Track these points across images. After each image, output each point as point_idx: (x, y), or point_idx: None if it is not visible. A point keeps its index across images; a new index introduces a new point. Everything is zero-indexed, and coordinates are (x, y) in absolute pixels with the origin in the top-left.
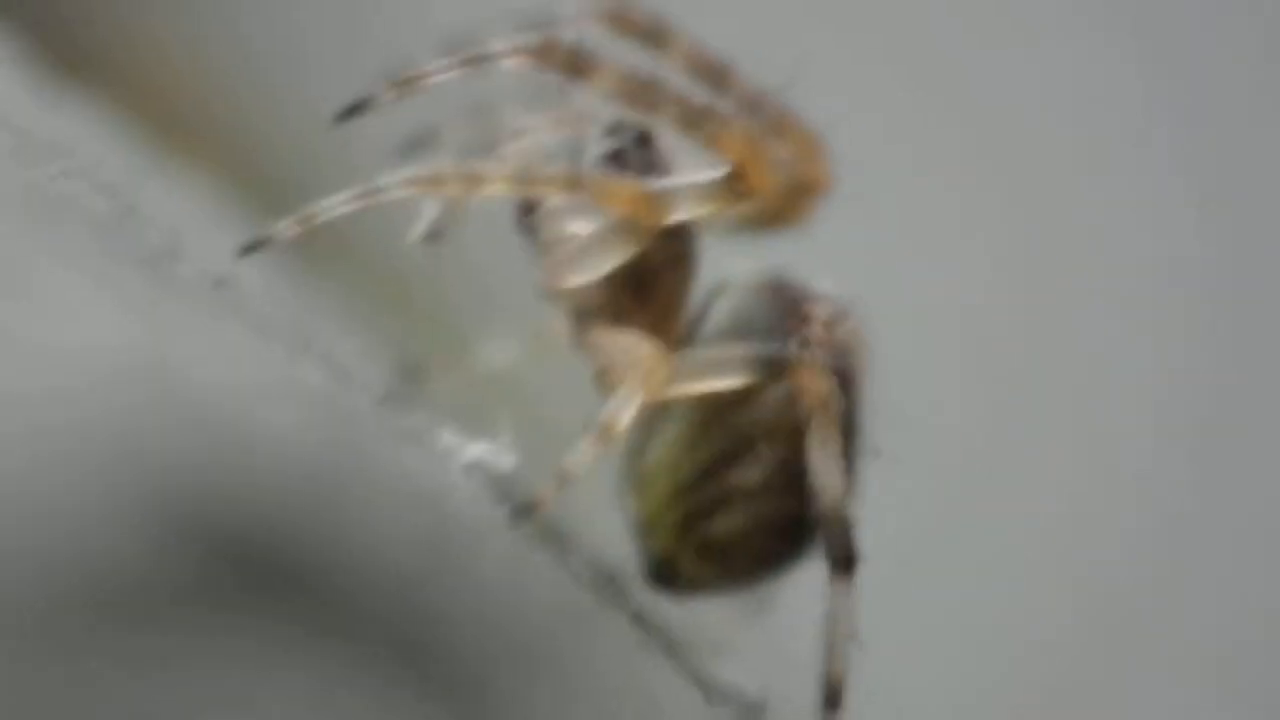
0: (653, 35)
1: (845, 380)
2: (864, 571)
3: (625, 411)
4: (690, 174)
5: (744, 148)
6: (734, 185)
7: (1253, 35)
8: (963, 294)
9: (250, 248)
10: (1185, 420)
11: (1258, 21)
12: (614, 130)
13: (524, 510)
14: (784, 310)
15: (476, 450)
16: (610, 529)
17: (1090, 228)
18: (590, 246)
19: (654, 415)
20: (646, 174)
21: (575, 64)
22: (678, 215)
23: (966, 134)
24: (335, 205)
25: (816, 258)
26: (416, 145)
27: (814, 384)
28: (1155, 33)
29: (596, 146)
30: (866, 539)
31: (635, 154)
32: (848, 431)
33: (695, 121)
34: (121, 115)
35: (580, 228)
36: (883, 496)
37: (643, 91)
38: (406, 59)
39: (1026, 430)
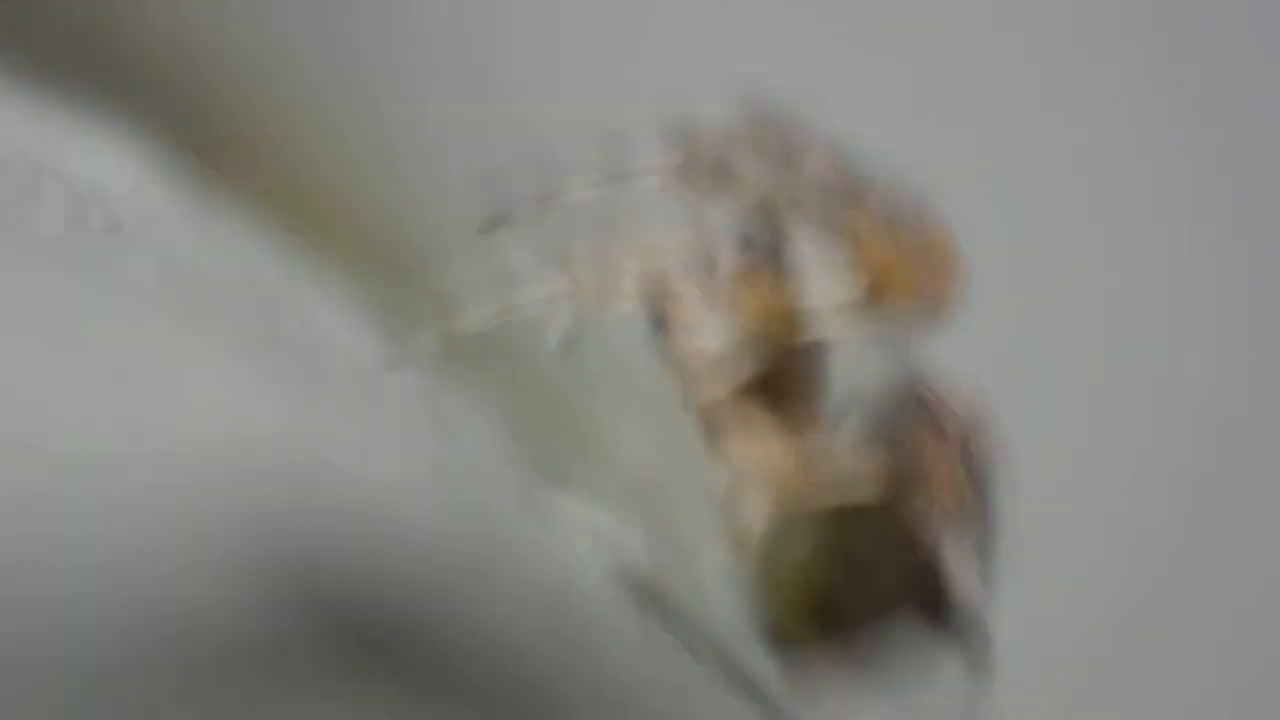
0: (787, 154)
1: (979, 475)
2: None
3: (758, 519)
4: (827, 288)
5: (885, 263)
6: (872, 300)
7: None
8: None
9: (390, 363)
10: (1189, 420)
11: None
12: (747, 241)
13: (656, 602)
14: (921, 412)
15: (610, 544)
16: (746, 630)
17: (1093, 224)
18: (722, 358)
19: (786, 526)
20: (777, 282)
21: (718, 182)
22: (814, 328)
23: (970, 131)
24: (474, 316)
25: None
26: (499, 223)
27: (950, 480)
28: (1160, 29)
29: (727, 253)
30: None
31: (767, 262)
32: (984, 528)
33: (837, 232)
34: (268, 217)
35: (712, 337)
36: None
37: (785, 203)
38: (537, 162)
39: (1027, 429)
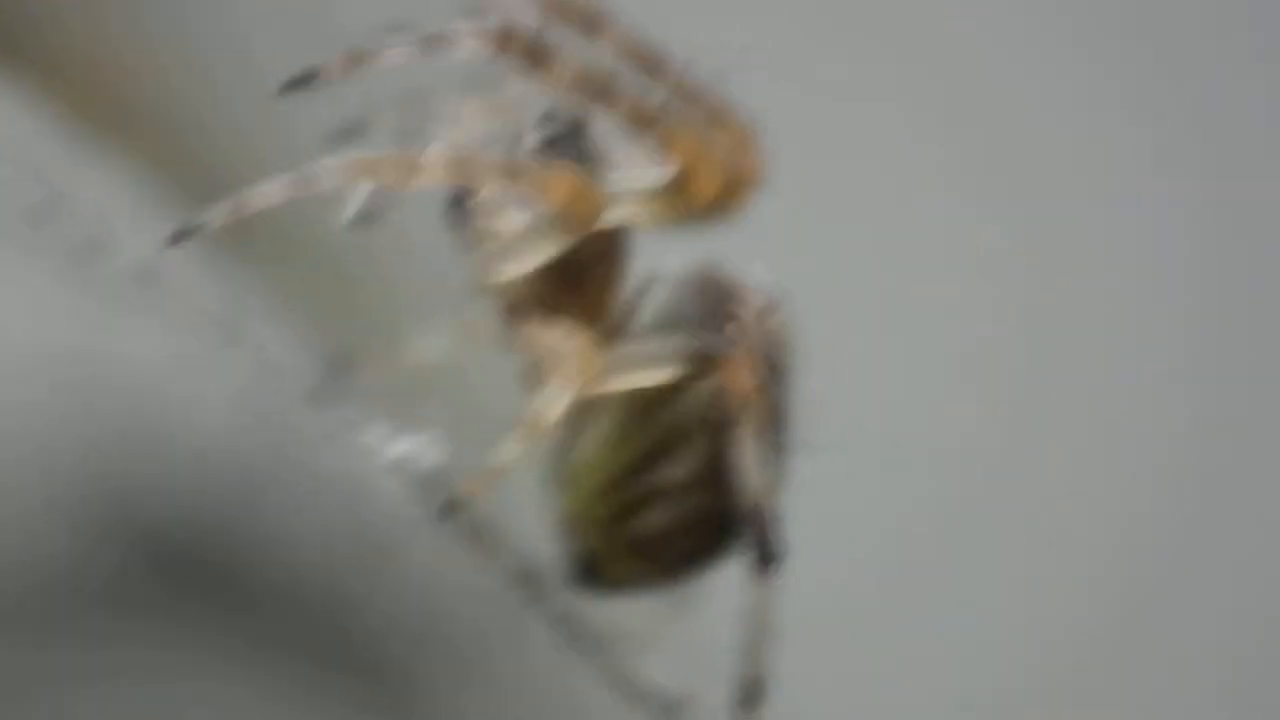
0: (590, 21)
1: (774, 374)
2: (862, 570)
3: (554, 406)
4: (632, 172)
5: (693, 152)
6: (679, 189)
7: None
8: (960, 292)
9: (179, 235)
10: (1187, 419)
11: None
12: (549, 118)
13: (450, 506)
14: (715, 304)
15: (404, 445)
16: (536, 527)
17: (1088, 223)
18: (522, 239)
19: (582, 411)
20: (581, 163)
21: (534, 53)
22: (616, 213)
23: (961, 131)
24: (267, 193)
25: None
26: (349, 133)
27: (742, 378)
28: (1153, 29)
29: (531, 134)
30: (867, 536)
31: (570, 143)
32: (777, 426)
33: (647, 121)
34: (52, 100)
35: (513, 220)
36: (881, 495)
37: (597, 86)
38: (355, 39)
39: (1025, 429)
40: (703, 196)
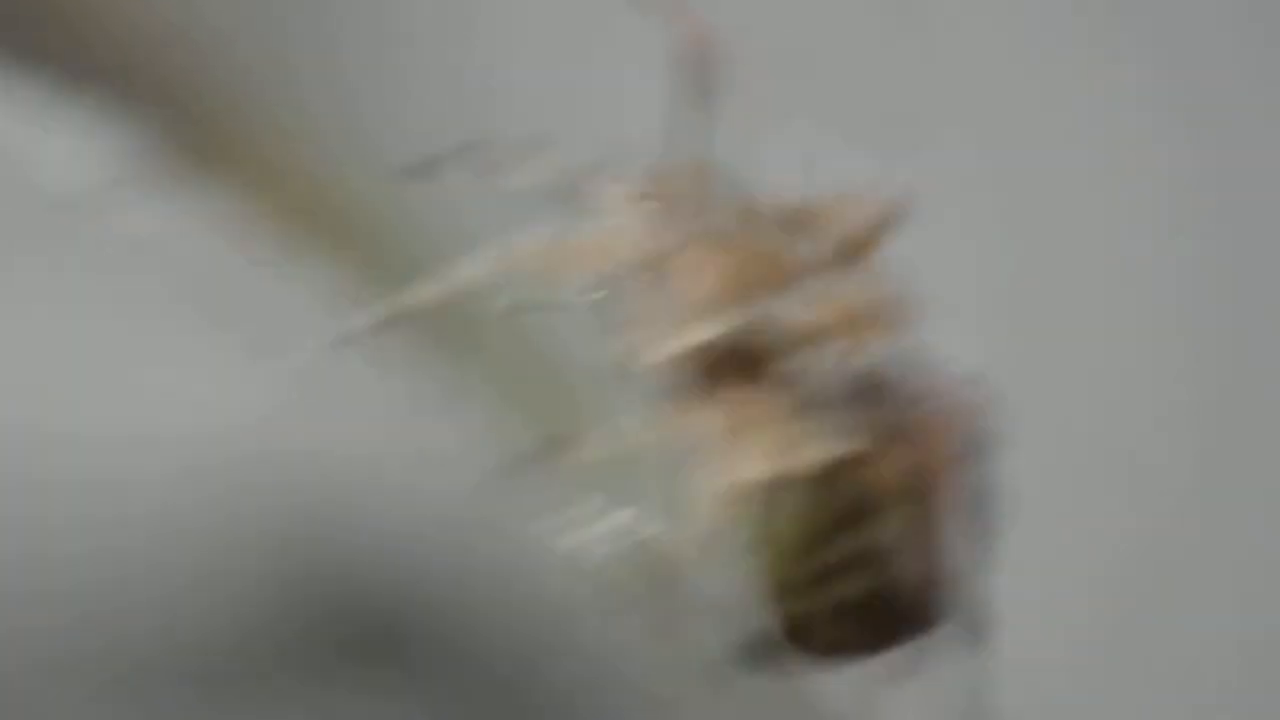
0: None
1: (971, 446)
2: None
3: (744, 474)
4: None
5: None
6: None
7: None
8: (957, 288)
9: (341, 340)
10: (1187, 420)
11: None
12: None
13: (641, 583)
14: (911, 376)
15: (603, 525)
16: (735, 603)
17: (1089, 223)
18: (676, 314)
19: (777, 484)
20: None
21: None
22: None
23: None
24: (421, 292)
25: None
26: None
27: (937, 449)
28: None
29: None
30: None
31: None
32: (977, 500)
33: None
34: (230, 203)
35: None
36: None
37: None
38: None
39: (1023, 429)
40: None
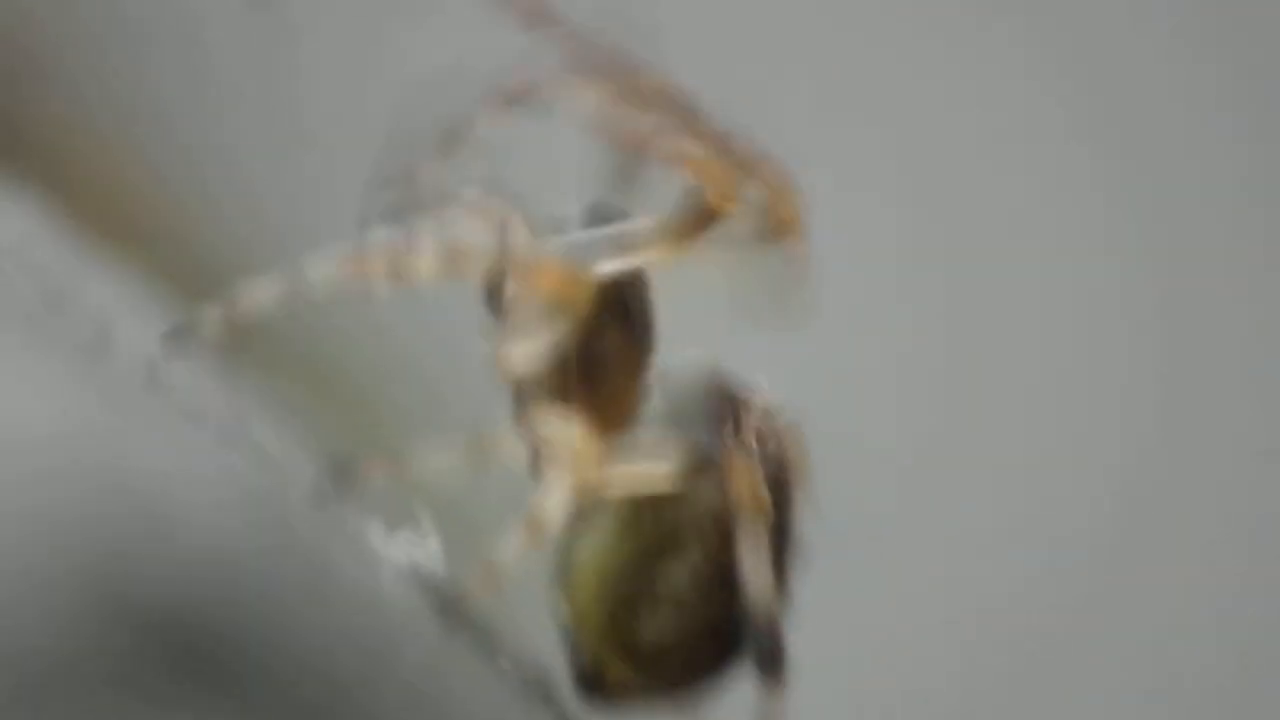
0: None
1: (779, 481)
2: (830, 562)
3: (553, 498)
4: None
5: (725, 186)
6: (705, 218)
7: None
8: (925, 290)
9: (174, 335)
10: (1149, 418)
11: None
12: (593, 213)
13: (451, 606)
14: (719, 404)
15: (405, 547)
16: (545, 631)
17: (1046, 232)
18: (527, 323)
19: (586, 510)
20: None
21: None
22: (605, 268)
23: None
24: (259, 290)
25: None
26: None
27: (744, 478)
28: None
29: (571, 226)
30: (827, 532)
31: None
32: (781, 534)
33: (673, 151)
34: (53, 203)
35: (528, 307)
36: (848, 490)
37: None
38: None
39: (990, 427)
40: (722, 215)
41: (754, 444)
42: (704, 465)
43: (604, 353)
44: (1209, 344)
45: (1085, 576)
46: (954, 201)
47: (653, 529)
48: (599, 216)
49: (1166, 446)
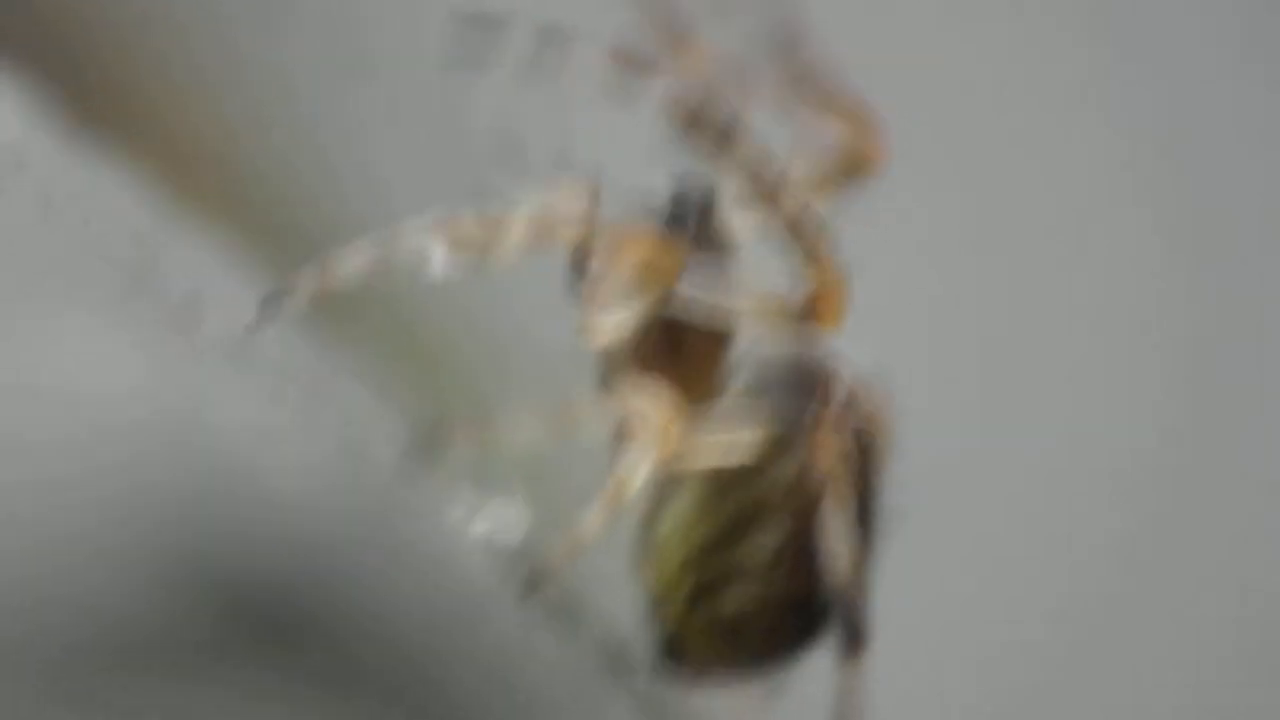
0: (724, 136)
1: (865, 453)
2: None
3: (634, 474)
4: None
5: (831, 282)
6: (801, 312)
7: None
8: (935, 296)
9: (267, 302)
10: (1162, 426)
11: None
12: (679, 196)
13: (534, 580)
14: (807, 378)
15: (491, 518)
16: (625, 604)
17: (1063, 236)
18: (618, 291)
19: (667, 483)
20: (705, 246)
21: (725, 136)
22: (732, 310)
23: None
24: (352, 258)
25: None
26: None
27: (829, 450)
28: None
29: (658, 210)
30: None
31: (696, 223)
32: (866, 506)
33: (799, 232)
34: (145, 168)
35: (617, 281)
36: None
37: (770, 185)
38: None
39: (1003, 432)
40: (820, 322)
41: (841, 417)
42: (790, 438)
43: (693, 322)
44: (1240, 346)
45: (1111, 579)
46: (983, 201)
47: (736, 502)
48: (686, 187)
49: (1193, 452)
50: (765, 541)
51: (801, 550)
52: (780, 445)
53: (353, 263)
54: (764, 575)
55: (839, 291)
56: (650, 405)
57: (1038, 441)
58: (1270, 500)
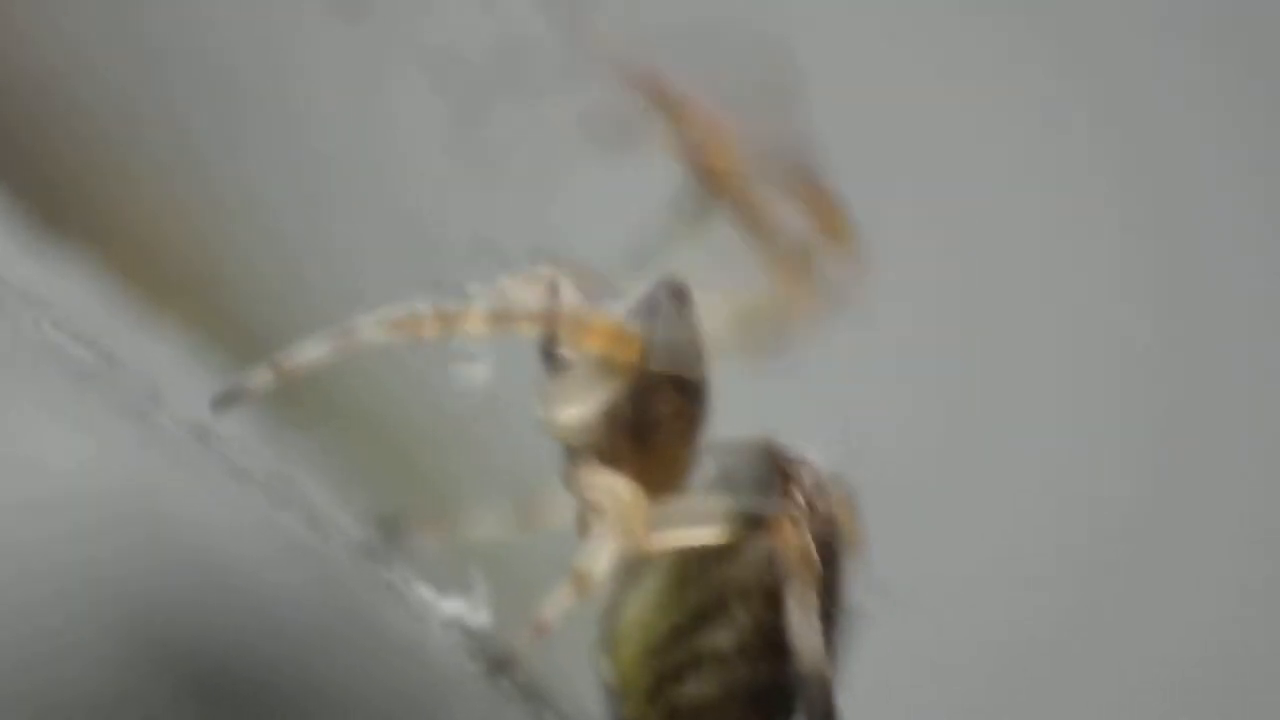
0: (677, 104)
1: (828, 546)
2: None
3: (598, 560)
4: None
5: (798, 282)
6: (768, 315)
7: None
8: (920, 311)
9: (224, 398)
10: (1144, 436)
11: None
12: (660, 291)
13: (499, 664)
14: (770, 470)
15: (454, 604)
16: (589, 689)
17: (1044, 242)
18: (578, 383)
19: (631, 569)
20: (679, 337)
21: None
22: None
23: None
24: (309, 350)
25: None
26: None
27: (794, 540)
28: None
29: (631, 295)
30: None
31: (667, 306)
32: (830, 599)
33: (765, 231)
34: (101, 268)
35: (580, 366)
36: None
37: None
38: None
39: (986, 445)
40: (834, 242)
41: (804, 509)
42: (753, 529)
43: (656, 415)
44: (1229, 350)
45: (1100, 588)
46: (969, 218)
47: (700, 591)
48: (667, 293)
49: (1184, 460)
50: (728, 631)
51: (764, 641)
52: (743, 536)
53: (307, 357)
54: (725, 666)
55: (838, 211)
56: (613, 494)
57: (1027, 455)
58: (1261, 507)
